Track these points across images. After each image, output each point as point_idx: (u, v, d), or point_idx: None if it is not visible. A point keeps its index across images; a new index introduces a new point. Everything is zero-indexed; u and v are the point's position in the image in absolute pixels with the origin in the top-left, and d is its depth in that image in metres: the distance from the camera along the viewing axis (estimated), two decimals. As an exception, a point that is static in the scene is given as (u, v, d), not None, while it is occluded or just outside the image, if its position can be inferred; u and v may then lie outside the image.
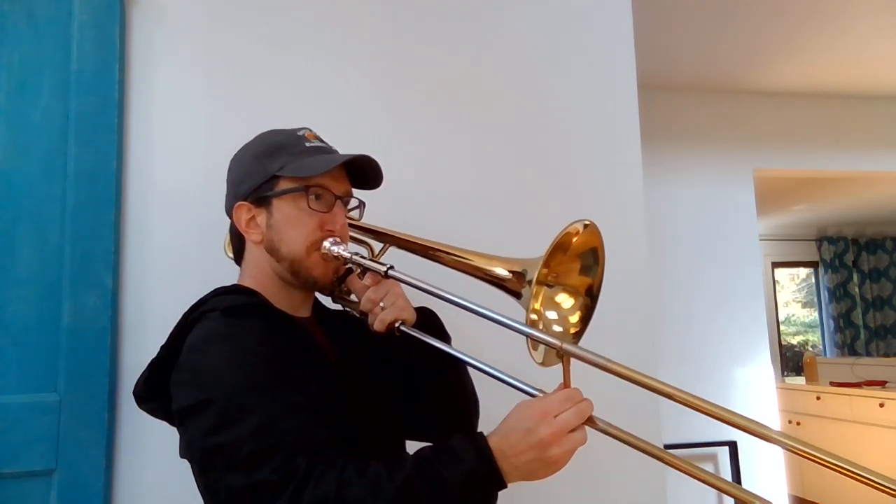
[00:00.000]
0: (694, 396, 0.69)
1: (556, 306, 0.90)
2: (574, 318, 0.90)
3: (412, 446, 0.95)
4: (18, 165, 1.24)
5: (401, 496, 0.69)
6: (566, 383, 0.76)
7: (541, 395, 0.77)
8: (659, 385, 0.71)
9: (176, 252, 1.30)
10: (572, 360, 0.76)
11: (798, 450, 0.61)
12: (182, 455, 0.83)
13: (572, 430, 0.72)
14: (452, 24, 1.52)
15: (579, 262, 0.89)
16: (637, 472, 1.38)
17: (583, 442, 0.73)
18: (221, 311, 0.84)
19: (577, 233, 0.86)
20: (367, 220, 1.04)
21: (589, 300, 0.91)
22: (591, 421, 0.74)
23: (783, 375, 5.77)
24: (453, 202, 1.44)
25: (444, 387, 0.98)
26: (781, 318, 6.42)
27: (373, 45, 1.47)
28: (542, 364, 0.83)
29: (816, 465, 0.60)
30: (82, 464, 1.17)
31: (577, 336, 0.90)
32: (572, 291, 0.90)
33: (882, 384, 4.07)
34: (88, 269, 1.23)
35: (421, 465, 0.72)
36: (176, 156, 1.34)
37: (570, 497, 1.39)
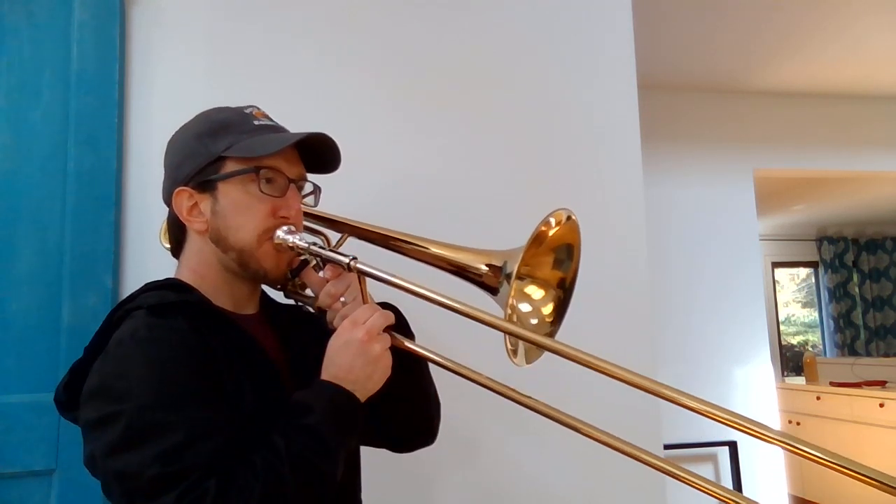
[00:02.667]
0: (643, 377, 0.67)
1: (527, 297, 0.86)
2: (547, 309, 0.85)
3: (367, 452, 0.93)
4: (18, 165, 1.24)
5: (294, 466, 0.68)
6: (365, 299, 0.83)
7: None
8: (592, 359, 0.69)
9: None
10: (565, 359, 0.73)
11: (796, 448, 0.61)
12: (85, 464, 0.75)
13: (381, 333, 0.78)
14: (452, 23, 1.52)
15: (553, 255, 0.84)
16: (637, 471, 1.38)
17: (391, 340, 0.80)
18: (147, 310, 0.76)
19: (560, 222, 0.82)
20: (350, 212, 0.99)
21: (562, 292, 0.86)
22: (392, 336, 0.80)
23: (783, 375, 5.76)
24: (450, 202, 1.44)
25: (405, 387, 0.89)
26: (781, 318, 6.42)
27: (372, 43, 1.47)
28: (526, 363, 0.81)
29: (817, 465, 0.60)
30: (82, 464, 1.16)
31: (555, 325, 0.86)
32: (542, 283, 0.86)
33: (882, 384, 4.07)
34: (88, 269, 1.23)
35: (285, 431, 0.71)
36: (176, 156, 1.33)
37: (570, 497, 1.40)
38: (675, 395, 0.66)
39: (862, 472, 0.57)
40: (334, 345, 0.78)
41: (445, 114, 1.48)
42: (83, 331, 1.20)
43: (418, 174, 1.44)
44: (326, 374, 0.77)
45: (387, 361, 0.79)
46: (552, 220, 0.81)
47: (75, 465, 1.16)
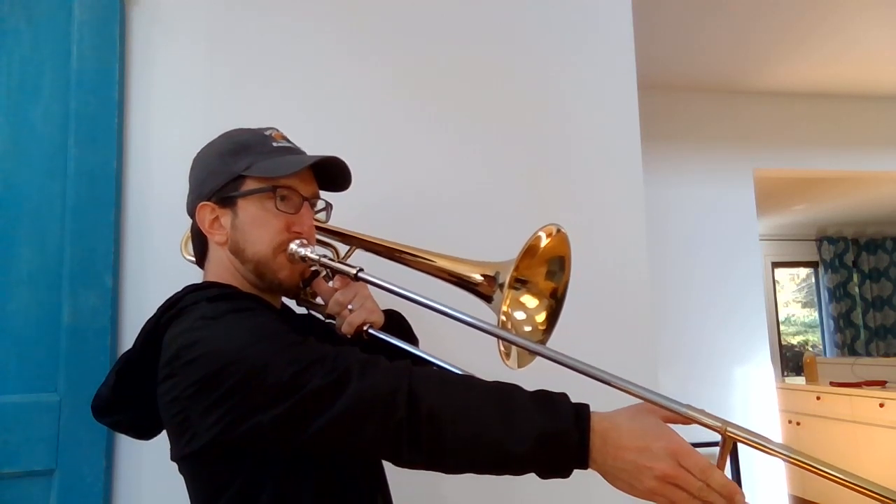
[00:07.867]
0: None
1: (522, 306, 0.90)
2: (540, 317, 0.90)
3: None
4: (18, 165, 1.24)
5: (488, 398, 0.68)
6: (721, 465, 0.67)
7: None
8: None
9: (176, 252, 1.29)
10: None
11: (798, 461, 0.61)
12: (178, 456, 0.77)
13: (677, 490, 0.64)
14: (452, 24, 1.52)
15: (546, 266, 0.89)
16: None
17: None
18: (207, 300, 0.81)
19: (551, 235, 0.86)
20: (349, 222, 1.03)
21: (554, 302, 0.90)
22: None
23: (783, 375, 5.76)
24: (449, 202, 1.44)
25: None
26: (781, 318, 6.42)
27: (372, 45, 1.47)
28: (518, 367, 0.84)
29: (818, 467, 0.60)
30: (82, 464, 1.17)
31: (547, 333, 0.90)
32: (537, 293, 0.90)
33: (882, 384, 4.07)
34: (88, 269, 1.23)
35: (514, 391, 0.70)
36: (176, 156, 1.33)
37: (571, 498, 1.39)
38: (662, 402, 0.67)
39: (857, 482, 0.58)
40: (646, 426, 0.67)
41: (442, 114, 1.48)
42: (83, 331, 1.21)
43: (416, 175, 1.43)
44: (603, 418, 0.67)
45: (639, 493, 0.65)
46: (542, 234, 0.85)
47: (75, 465, 1.16)
